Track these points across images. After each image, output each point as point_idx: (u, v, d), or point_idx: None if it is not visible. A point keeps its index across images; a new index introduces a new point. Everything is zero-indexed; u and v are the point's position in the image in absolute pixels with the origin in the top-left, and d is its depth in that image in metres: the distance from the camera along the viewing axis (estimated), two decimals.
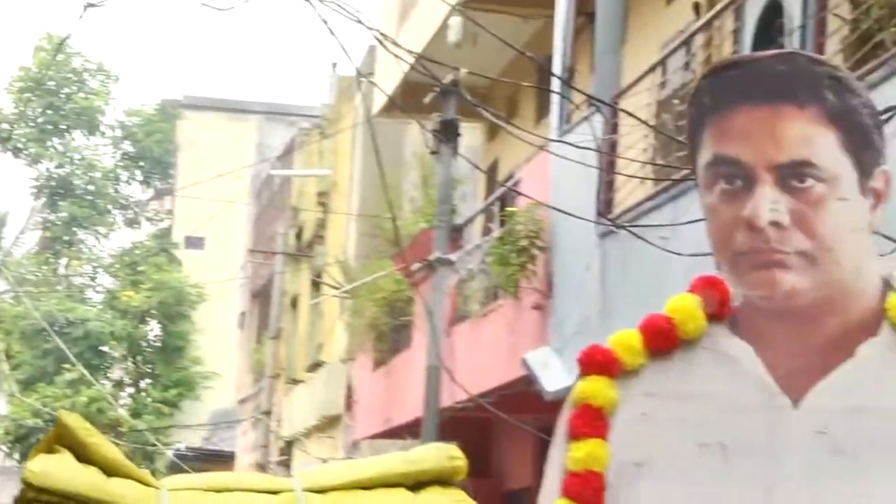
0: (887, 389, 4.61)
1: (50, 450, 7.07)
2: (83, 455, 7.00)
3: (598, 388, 4.63)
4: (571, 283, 19.89)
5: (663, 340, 4.65)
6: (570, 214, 19.09)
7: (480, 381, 22.33)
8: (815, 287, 4.45)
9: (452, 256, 24.99)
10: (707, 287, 4.67)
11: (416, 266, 25.85)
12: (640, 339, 4.68)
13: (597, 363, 4.68)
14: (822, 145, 4.46)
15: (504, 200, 24.63)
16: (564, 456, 4.63)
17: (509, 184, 24.36)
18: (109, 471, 7.03)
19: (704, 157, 4.54)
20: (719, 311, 4.66)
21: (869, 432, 4.53)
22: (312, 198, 45.02)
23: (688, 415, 4.64)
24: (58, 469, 6.92)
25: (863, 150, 4.51)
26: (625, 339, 4.69)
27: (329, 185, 42.74)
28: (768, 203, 4.37)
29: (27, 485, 7.07)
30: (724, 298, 4.66)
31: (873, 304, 4.61)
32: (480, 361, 23.28)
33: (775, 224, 4.37)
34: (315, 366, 42.38)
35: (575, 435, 4.62)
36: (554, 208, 20.44)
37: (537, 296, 21.80)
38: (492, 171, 28.97)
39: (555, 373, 19.38)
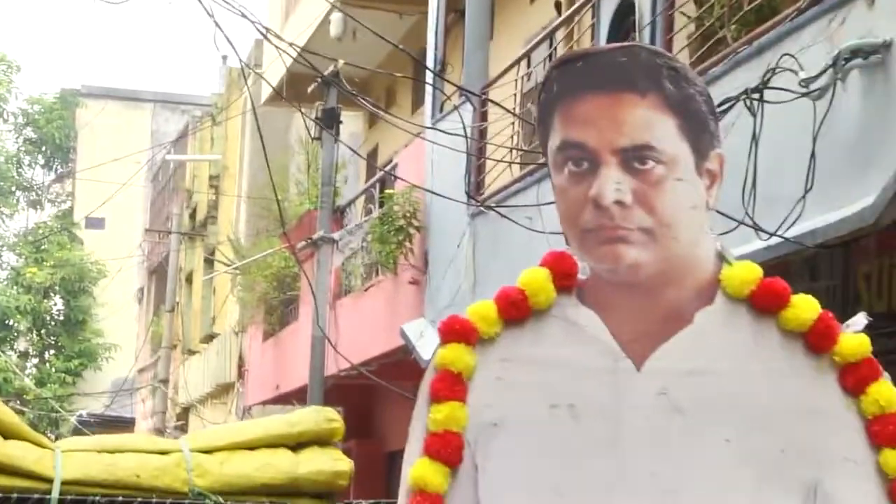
0: (721, 354, 4.70)
1: None
2: None
3: (456, 355, 4.66)
4: (445, 260, 19.93)
5: (516, 310, 4.68)
6: (443, 196, 19.21)
7: (363, 350, 22.37)
8: (656, 260, 4.54)
9: (335, 235, 24.99)
10: (557, 261, 4.68)
11: (301, 244, 25.87)
12: (495, 309, 4.72)
13: (455, 332, 4.71)
14: (662, 130, 4.55)
15: (383, 183, 24.66)
16: (426, 418, 4.66)
17: (387, 168, 24.46)
18: (6, 434, 7.01)
19: (554, 141, 4.63)
20: (567, 283, 4.69)
21: (704, 392, 4.60)
22: (205, 181, 44.99)
23: (539, 378, 4.67)
24: None
25: (699, 134, 4.59)
26: (481, 309, 4.74)
27: (220, 168, 42.74)
28: (612, 183, 4.45)
29: None
30: (572, 271, 4.68)
31: (709, 275, 4.69)
32: (362, 332, 23.30)
33: (619, 203, 4.45)
34: (209, 337, 42.36)
35: (436, 398, 4.65)
36: (428, 191, 20.56)
37: (414, 271, 21.85)
38: (372, 157, 29.02)
39: (430, 342, 19.35)
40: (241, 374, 36.59)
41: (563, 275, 4.65)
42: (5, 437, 6.97)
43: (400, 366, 21.01)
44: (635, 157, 4.52)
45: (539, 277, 4.67)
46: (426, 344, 19.50)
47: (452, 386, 4.61)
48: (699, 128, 4.62)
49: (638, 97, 4.61)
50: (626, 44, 4.94)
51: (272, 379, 31.51)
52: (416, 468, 4.60)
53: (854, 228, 9.72)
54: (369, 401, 25.69)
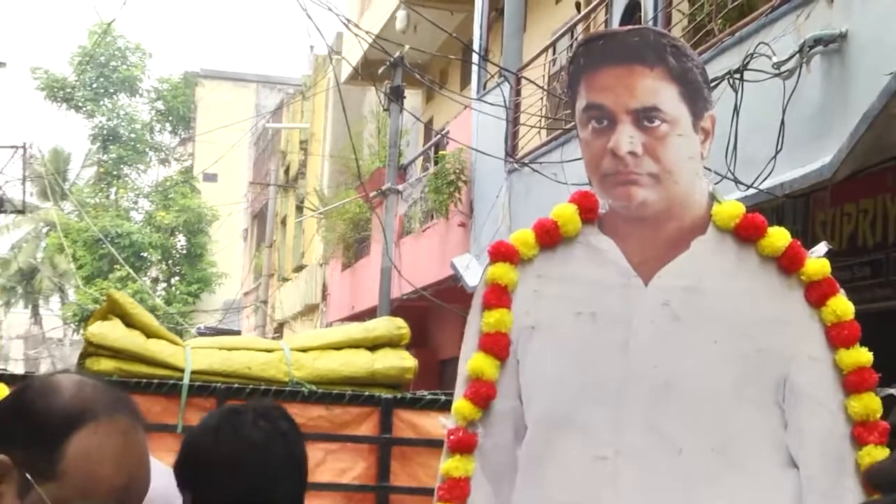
0: (711, 274, 4.81)
1: (104, 318, 7.09)
2: (129, 322, 7.03)
3: (503, 272, 4.74)
4: (486, 207, 19.83)
5: (549, 237, 4.75)
6: (486, 154, 19.18)
7: (420, 279, 22.23)
8: (660, 199, 4.71)
9: (399, 187, 24.87)
10: (582, 199, 4.75)
11: (372, 194, 25.79)
12: (533, 236, 4.81)
13: (502, 253, 4.79)
14: (666, 95, 4.73)
15: (437, 147, 24.50)
16: (479, 322, 4.71)
17: (441, 134, 24.26)
18: (149, 334, 7.06)
19: (580, 104, 4.84)
20: (590, 216, 4.74)
21: (698, 304, 4.70)
22: (296, 144, 44.86)
23: (567, 291, 4.78)
24: (111, 331, 6.94)
25: (696, 99, 4.71)
26: (522, 236, 4.83)
27: (308, 135, 42.55)
28: (626, 137, 4.64)
29: (88, 343, 7.10)
30: (595, 207, 4.74)
31: (703, 211, 4.80)
32: (420, 265, 23.19)
33: (631, 153, 4.63)
34: (299, 268, 42.18)
35: (487, 306, 4.74)
36: (474, 149, 20.49)
37: (461, 216, 21.71)
38: (428, 125, 28.88)
39: (474, 272, 19.35)
40: (324, 297, 36.41)
41: (587, 209, 4.71)
42: (148, 336, 7.01)
43: (450, 291, 20.89)
44: (645, 117, 4.70)
45: (568, 211, 4.72)
46: (471, 274, 19.48)
47: (500, 296, 4.67)
48: (696, 94, 4.75)
49: (647, 69, 4.76)
50: (637, 27, 5.06)
51: (348, 301, 31.39)
52: (473, 361, 4.64)
53: (814, 182, 9.73)
54: (425, 319, 25.54)
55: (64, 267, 50.06)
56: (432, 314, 22.64)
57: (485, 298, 4.72)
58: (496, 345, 4.62)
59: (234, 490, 3.55)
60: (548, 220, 4.74)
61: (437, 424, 7.24)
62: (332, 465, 7.23)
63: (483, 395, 4.60)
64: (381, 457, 7.46)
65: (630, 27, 4.88)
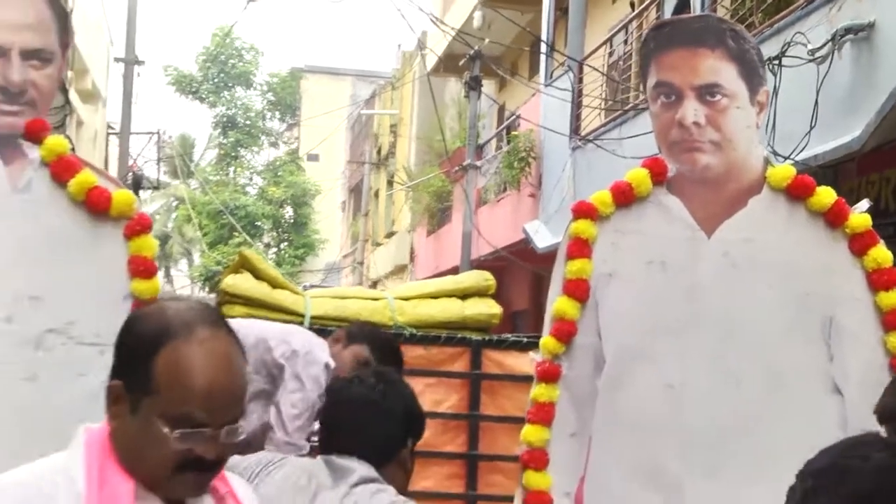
0: (766, 227, 4.77)
1: (236, 271, 7.15)
2: (257, 275, 7.07)
3: (584, 227, 4.74)
4: (553, 180, 19.82)
5: (624, 197, 4.75)
6: (553, 131, 19.27)
7: (496, 242, 22.31)
8: (721, 164, 4.74)
9: (478, 163, 24.97)
10: (653, 163, 4.74)
11: (454, 169, 25.92)
12: (610, 196, 4.79)
13: (584, 211, 4.78)
14: (726, 74, 4.73)
15: (510, 128, 24.52)
16: (564, 270, 4.72)
17: (514, 115, 24.27)
18: (274, 285, 7.10)
19: (651, 81, 4.84)
20: (660, 179, 4.72)
21: (754, 254, 4.68)
22: (387, 128, 45.19)
23: (640, 243, 4.77)
24: (242, 282, 7.00)
25: (752, 77, 4.74)
26: (601, 196, 4.81)
27: (397, 119, 42.80)
28: (691, 110, 4.67)
29: (223, 292, 7.16)
30: (664, 170, 4.73)
31: (758, 174, 4.78)
32: (496, 230, 23.19)
33: (696, 123, 4.67)
34: (390, 234, 42.44)
35: (570, 256, 4.74)
36: (544, 127, 20.57)
37: (531, 188, 21.73)
38: (501, 109, 28.80)
39: (543, 236, 19.40)
40: (411, 259, 36.62)
41: (657, 173, 4.70)
42: (273, 287, 7.06)
43: (521, 252, 20.95)
44: (707, 92, 4.69)
45: (641, 174, 4.72)
46: (540, 237, 19.59)
47: (582, 248, 4.68)
48: (752, 72, 4.75)
49: (709, 51, 4.75)
50: (701, 14, 5.10)
51: (433, 262, 31.48)
52: (558, 303, 4.65)
53: (844, 154, 9.69)
54: (499, 276, 25.34)
55: (191, 235, 50.75)
56: (506, 272, 22.57)
57: (568, 250, 4.72)
58: (578, 289, 4.63)
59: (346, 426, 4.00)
60: (623, 182, 4.74)
61: (520, 362, 7.33)
62: (429, 397, 7.27)
63: (566, 332, 4.62)
64: (471, 390, 7.51)
65: (694, 15, 4.89)
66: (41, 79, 4.28)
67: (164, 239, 57.13)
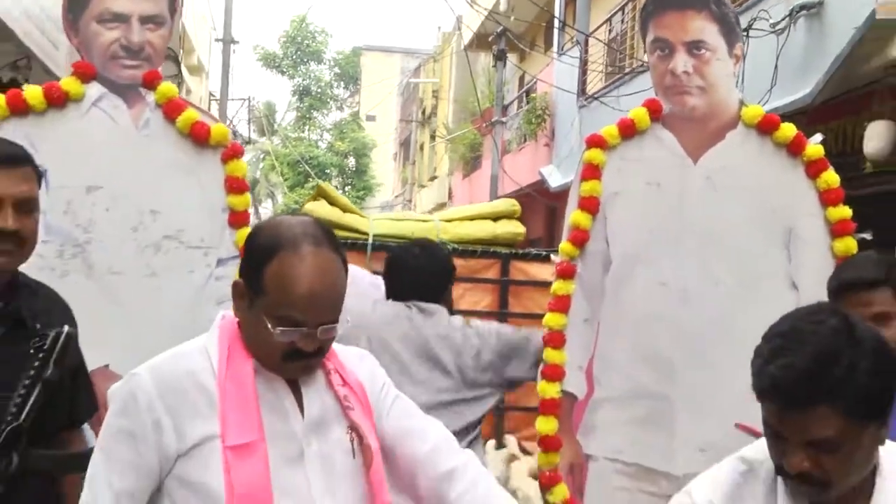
0: (740, 156, 4.74)
1: (315, 199, 7.17)
2: (331, 202, 7.08)
3: (595, 155, 4.74)
4: (564, 132, 19.82)
5: (628, 130, 4.75)
6: (564, 90, 19.32)
7: (518, 182, 22.31)
8: (705, 105, 4.73)
9: (503, 119, 24.93)
10: (651, 103, 4.74)
11: (484, 125, 25.97)
12: (617, 130, 4.75)
13: (595, 142, 4.76)
14: (709, 32, 4.71)
15: (529, 91, 24.47)
16: (579, 189, 4.70)
17: (532, 81, 24.21)
18: (344, 210, 7.12)
19: (649, 38, 4.81)
20: (657, 116, 4.69)
21: (731, 178, 4.68)
22: (430, 93, 45.20)
23: (641, 168, 4.74)
24: (319, 207, 7.01)
25: (730, 35, 4.77)
26: (609, 130, 4.79)
27: (437, 86, 42.83)
28: (682, 62, 4.68)
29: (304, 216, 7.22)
30: (660, 109, 4.72)
31: (735, 112, 4.77)
32: (518, 173, 23.09)
33: (685, 72, 4.68)
34: (432, 178, 42.52)
35: (584, 178, 4.73)
36: (558, 87, 20.54)
37: (546, 139, 21.73)
38: (523, 77, 28.63)
39: (555, 178, 19.43)
40: (449, 197, 36.66)
41: (654, 111, 4.69)
42: (343, 212, 7.09)
43: (538, 191, 20.95)
44: (694, 47, 4.68)
45: (641, 112, 4.70)
46: (553, 178, 19.63)
47: (593, 172, 4.66)
48: (730, 31, 4.76)
49: (696, 13, 4.73)
50: None
51: (468, 199, 31.35)
52: (574, 216, 4.66)
53: (798, 107, 9.61)
54: (521, 210, 25.71)
55: (274, 180, 50.91)
56: (525, 207, 22.40)
57: (582, 173, 4.72)
58: (590, 204, 4.62)
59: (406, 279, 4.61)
60: (627, 119, 4.74)
61: (540, 271, 7.40)
62: (468, 299, 7.35)
63: (580, 238, 4.62)
64: (501, 293, 7.54)
65: None
66: (155, 39, 4.28)
67: (253, 183, 57.56)
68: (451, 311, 4.74)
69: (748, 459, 2.71)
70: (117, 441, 2.80)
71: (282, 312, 2.77)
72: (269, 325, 2.76)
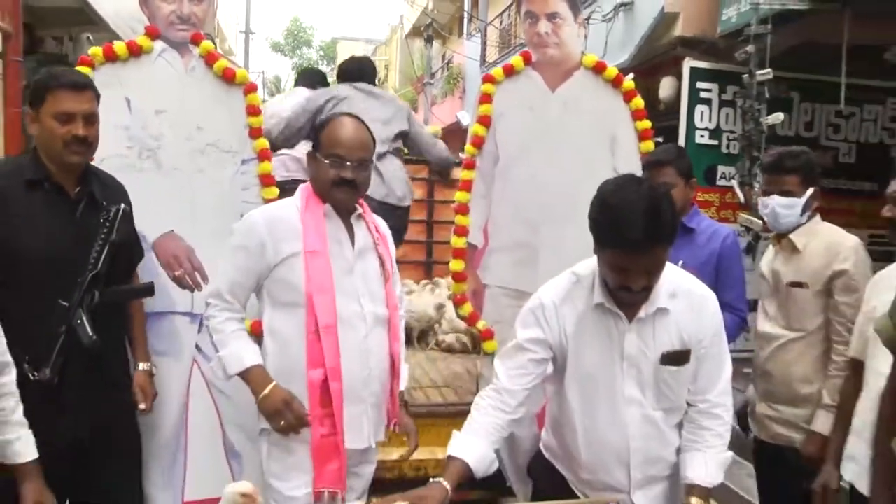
0: (578, 89, 4.57)
1: None
2: None
3: (488, 87, 4.65)
4: (473, 90, 19.62)
5: (510, 71, 4.61)
6: (472, 59, 19.12)
7: (441, 121, 22.15)
8: (560, 55, 4.57)
9: (431, 82, 24.62)
10: (525, 54, 4.64)
11: (419, 86, 25.66)
12: (502, 70, 4.63)
13: (489, 78, 4.64)
14: (562, 6, 4.56)
15: (448, 63, 24.16)
16: (477, 112, 4.61)
17: (451, 56, 23.80)
18: None
19: (523, 10, 4.63)
20: (528, 63, 4.62)
21: (581, 104, 4.55)
22: (383, 67, 43.97)
23: (519, 96, 4.59)
24: None
25: (575, 9, 4.57)
26: (497, 70, 4.64)
27: (388, 62, 41.90)
28: (544, 26, 4.52)
29: None
30: (530, 57, 4.64)
31: (578, 60, 4.61)
32: (441, 117, 22.92)
33: (546, 33, 4.53)
34: None
35: (481, 103, 4.63)
36: (468, 57, 20.24)
37: (459, 94, 21.54)
38: (444, 54, 28.17)
39: (466, 118, 19.07)
40: None
41: (526, 59, 4.60)
42: None
43: (455, 128, 20.81)
44: (552, 17, 4.54)
45: (518, 59, 4.61)
46: (465, 119, 19.25)
47: (487, 99, 4.58)
48: (575, 6, 4.62)
49: None
50: None
51: None
52: (474, 128, 4.58)
53: (621, 69, 9.67)
54: (444, 141, 25.45)
55: None
56: (446, 137, 22.37)
57: (480, 99, 4.63)
58: (485, 120, 4.57)
59: None
60: (509, 64, 4.63)
61: (456, 172, 7.28)
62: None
63: (478, 142, 4.57)
64: (429, 188, 7.53)
65: None
66: (199, 10, 4.19)
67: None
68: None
69: (577, 273, 2.82)
70: (238, 253, 3.01)
71: (330, 151, 3.01)
72: (325, 162, 3.01)
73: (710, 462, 2.64)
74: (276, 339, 2.99)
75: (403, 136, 5.70)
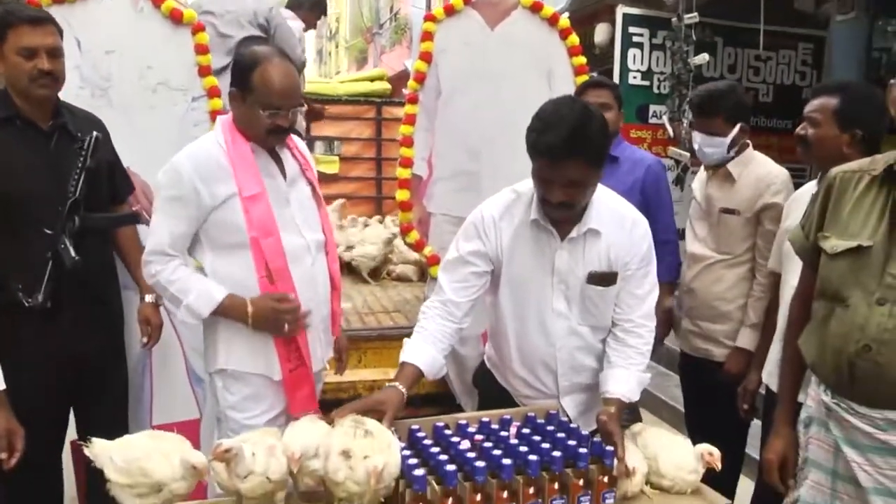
0: (521, 23, 4.52)
1: None
2: None
3: (429, 26, 4.59)
4: (418, 38, 19.42)
5: (450, 10, 4.51)
6: (418, 8, 18.78)
7: (391, 69, 21.89)
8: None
9: (380, 32, 24.29)
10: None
11: (369, 36, 25.19)
12: (443, 10, 4.54)
13: (430, 17, 4.54)
14: None
15: (396, 14, 23.80)
16: (420, 48, 4.53)
17: (398, 8, 23.42)
18: None
19: None
20: (468, 3, 4.51)
21: (512, 37, 4.42)
22: (335, 19, 43.07)
23: (458, 33, 4.51)
24: None
25: None
26: (437, 10, 4.55)
27: (339, 14, 40.92)
28: None
29: None
30: None
31: (516, 0, 4.47)
32: (391, 64, 22.64)
33: None
34: (337, 72, 41.10)
35: (422, 40, 4.55)
36: (415, 7, 19.92)
37: (407, 43, 21.23)
38: (392, 5, 27.72)
39: (411, 64, 18.97)
40: None
41: (466, 0, 4.48)
42: None
43: (404, 74, 20.59)
44: None
45: (459, 0, 4.50)
46: (411, 66, 19.08)
47: (428, 36, 4.50)
48: None
49: None
50: None
51: None
52: (416, 64, 4.50)
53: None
54: (393, 83, 25.20)
55: None
56: (393, 82, 22.14)
57: (421, 37, 4.55)
58: (426, 56, 4.51)
59: None
60: (448, 4, 4.54)
61: (401, 111, 7.27)
62: (356, 131, 7.27)
63: (420, 77, 4.53)
64: (377, 127, 7.49)
65: None
66: None
67: None
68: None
69: (517, 191, 2.82)
70: (172, 203, 2.77)
71: (266, 101, 2.76)
72: (260, 111, 2.76)
73: (631, 379, 2.62)
74: (224, 284, 2.83)
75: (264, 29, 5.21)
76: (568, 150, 2.41)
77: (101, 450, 2.13)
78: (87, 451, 2.15)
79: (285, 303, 2.80)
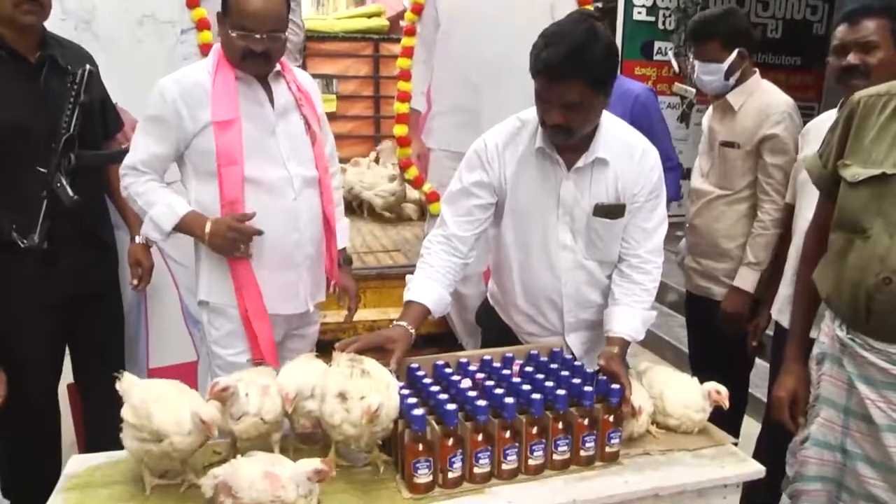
0: None
1: None
2: None
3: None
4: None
5: None
6: None
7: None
8: None
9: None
10: None
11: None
12: None
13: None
14: None
15: None
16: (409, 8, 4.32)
17: None
18: None
19: None
20: None
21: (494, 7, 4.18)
22: None
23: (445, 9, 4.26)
24: None
25: None
26: None
27: None
28: None
29: None
30: None
31: None
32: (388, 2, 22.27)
33: None
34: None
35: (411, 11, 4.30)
36: None
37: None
38: None
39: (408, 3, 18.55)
40: None
41: None
42: None
43: (400, 12, 20.20)
44: None
45: None
46: (408, 3, 18.67)
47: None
48: None
49: None
50: None
51: None
52: (407, 14, 4.31)
53: None
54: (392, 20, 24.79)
55: None
56: (393, 23, 21.68)
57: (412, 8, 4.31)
58: (418, 8, 4.29)
59: None
60: None
61: (397, 47, 7.09)
62: (353, 69, 7.12)
63: (418, 9, 4.33)
64: (374, 63, 7.36)
65: None
66: None
67: None
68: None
69: (522, 118, 2.71)
70: (153, 123, 2.75)
71: (238, 23, 2.66)
72: (232, 34, 2.67)
73: (636, 317, 2.51)
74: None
75: None
76: (566, 70, 2.29)
77: (128, 385, 2.06)
78: (117, 385, 2.07)
79: (246, 226, 2.72)
